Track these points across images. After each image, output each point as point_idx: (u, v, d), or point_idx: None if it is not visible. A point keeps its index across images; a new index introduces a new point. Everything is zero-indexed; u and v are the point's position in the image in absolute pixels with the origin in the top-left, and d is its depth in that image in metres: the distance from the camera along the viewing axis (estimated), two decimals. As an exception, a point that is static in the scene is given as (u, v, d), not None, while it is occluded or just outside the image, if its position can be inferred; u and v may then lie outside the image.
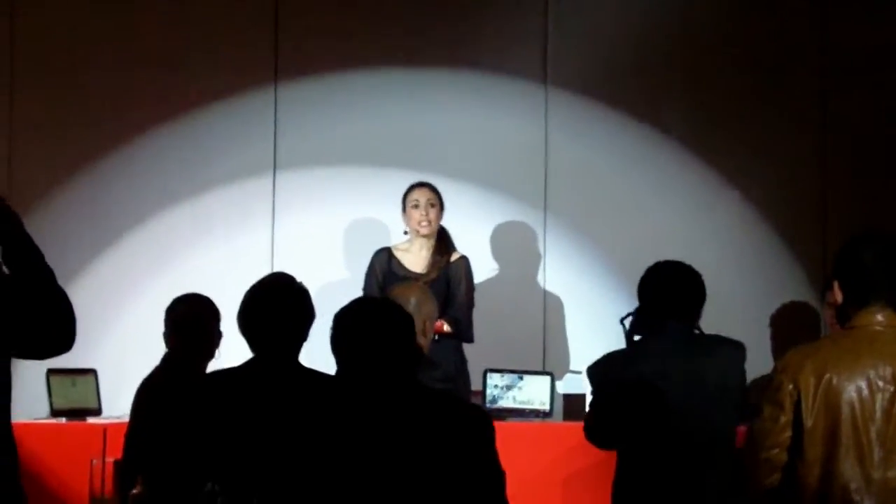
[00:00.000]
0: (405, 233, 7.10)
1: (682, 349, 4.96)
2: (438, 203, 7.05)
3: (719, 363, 4.96)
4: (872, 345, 3.99)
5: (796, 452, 3.99)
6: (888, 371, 3.94)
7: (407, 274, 6.90)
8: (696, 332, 5.11)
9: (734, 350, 5.03)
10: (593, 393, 5.15)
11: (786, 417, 3.99)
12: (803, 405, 3.96)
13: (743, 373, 5.03)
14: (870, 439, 3.92)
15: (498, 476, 3.39)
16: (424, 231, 6.99)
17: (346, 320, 3.49)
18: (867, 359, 3.96)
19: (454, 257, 7.04)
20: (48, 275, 3.80)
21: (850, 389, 3.94)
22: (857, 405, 3.93)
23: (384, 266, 7.02)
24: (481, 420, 3.41)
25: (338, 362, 3.44)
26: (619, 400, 4.97)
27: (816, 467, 3.95)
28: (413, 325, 3.53)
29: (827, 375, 3.95)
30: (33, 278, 3.76)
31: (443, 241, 7.06)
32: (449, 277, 6.96)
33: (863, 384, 3.94)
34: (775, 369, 4.09)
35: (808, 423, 3.95)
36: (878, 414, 3.92)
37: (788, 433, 4.00)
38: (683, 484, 4.89)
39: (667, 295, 5.02)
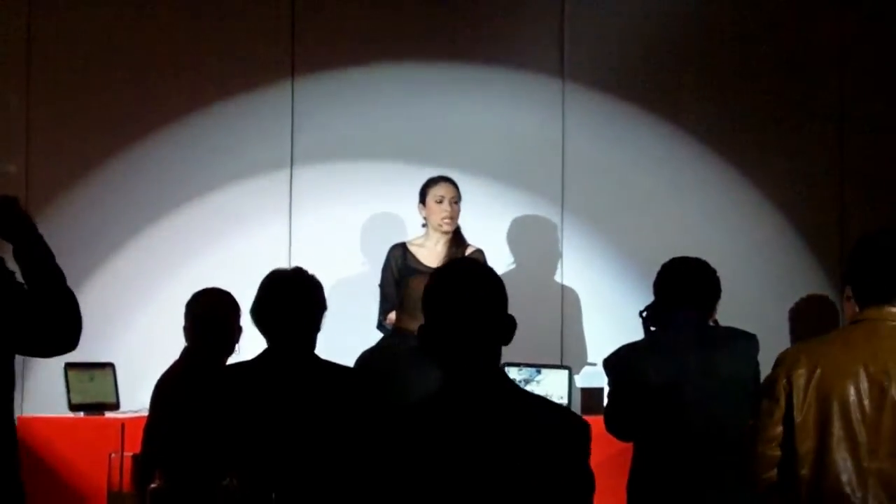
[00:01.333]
0: (423, 225, 7.09)
1: (697, 342, 4.99)
2: (460, 200, 7.04)
3: (733, 355, 4.99)
4: (870, 338, 4.00)
5: (790, 446, 4.00)
6: (880, 363, 3.95)
7: (422, 269, 6.89)
8: (711, 324, 5.13)
9: (747, 342, 5.05)
10: (610, 384, 5.16)
11: (780, 412, 4.01)
12: (794, 399, 3.98)
13: (756, 365, 5.05)
14: (861, 431, 3.92)
15: (591, 486, 3.22)
16: (447, 228, 6.98)
17: (448, 278, 3.26)
18: (862, 351, 3.97)
19: (469, 251, 7.03)
20: (57, 276, 3.83)
21: (841, 382, 3.95)
22: (848, 397, 3.94)
23: (399, 262, 7.02)
24: (584, 429, 3.20)
25: (428, 319, 3.20)
26: (635, 392, 4.98)
27: (809, 460, 3.96)
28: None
29: (819, 369, 3.97)
30: (42, 279, 3.79)
31: (457, 235, 7.06)
32: None
33: (854, 377, 3.95)
34: (774, 365, 4.11)
35: (799, 417, 3.97)
36: (869, 405, 3.93)
37: (782, 429, 4.01)
38: (697, 476, 4.91)
39: (681, 289, 5.05)
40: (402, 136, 7.96)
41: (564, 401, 6.86)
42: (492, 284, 3.27)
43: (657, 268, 5.25)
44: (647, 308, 5.15)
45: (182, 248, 7.81)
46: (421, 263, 6.97)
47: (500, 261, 7.75)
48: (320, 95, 7.95)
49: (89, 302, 7.46)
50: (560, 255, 7.98)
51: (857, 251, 4.15)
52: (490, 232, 7.65)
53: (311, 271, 4.68)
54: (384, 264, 7.06)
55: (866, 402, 3.93)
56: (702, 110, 8.16)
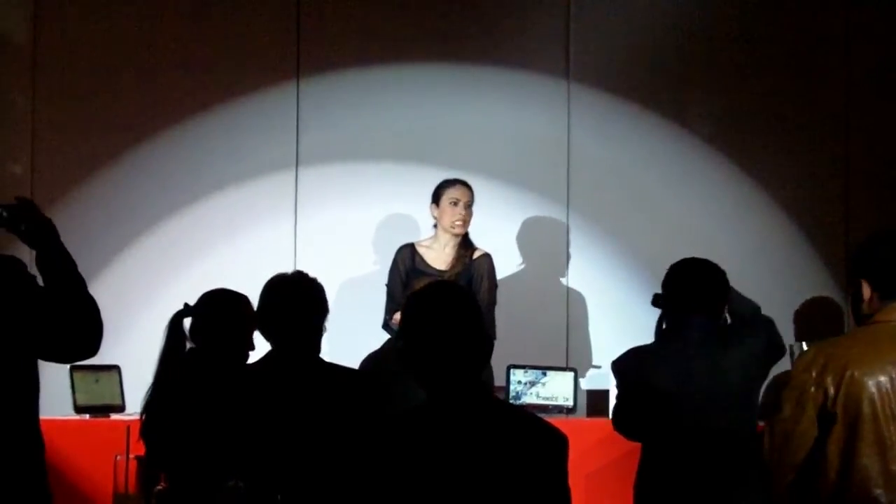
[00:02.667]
0: (434, 226, 7.07)
1: (706, 344, 4.97)
2: (473, 203, 7.02)
3: (742, 355, 4.97)
4: (894, 340, 3.98)
5: (817, 447, 3.98)
6: None
7: (430, 271, 6.89)
8: (720, 324, 5.11)
9: (756, 340, 5.04)
10: (618, 387, 5.15)
11: (808, 417, 3.99)
12: (827, 403, 3.96)
13: (765, 363, 5.05)
14: (891, 433, 3.92)
15: (567, 501, 3.25)
16: (458, 231, 6.96)
17: (426, 305, 3.29)
18: (888, 354, 3.96)
19: (476, 254, 7.01)
20: (79, 283, 3.84)
21: (870, 384, 3.94)
22: (877, 400, 3.93)
23: (407, 263, 7.01)
24: (562, 444, 3.25)
25: (407, 346, 3.26)
26: (643, 394, 4.97)
27: (836, 461, 3.95)
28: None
29: (848, 371, 3.95)
30: (64, 286, 3.81)
31: (465, 239, 7.05)
32: (471, 275, 6.94)
33: (884, 379, 3.94)
34: (796, 368, 4.08)
35: (830, 418, 3.95)
36: None
37: (813, 433, 3.99)
38: (705, 477, 4.89)
39: (690, 290, 5.04)
40: (407, 136, 7.96)
41: (570, 403, 6.85)
42: (466, 307, 3.29)
43: (662, 268, 5.23)
44: (658, 300, 5.13)
45: (187, 249, 7.81)
46: (429, 265, 6.96)
47: (506, 262, 7.75)
48: (325, 96, 7.95)
49: (95, 303, 7.48)
50: (565, 256, 7.98)
51: (867, 252, 4.13)
52: (495, 233, 7.63)
53: (314, 272, 4.68)
54: (392, 265, 7.05)
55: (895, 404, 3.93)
56: (707, 111, 8.16)
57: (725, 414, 4.92)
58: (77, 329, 3.82)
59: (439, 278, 6.73)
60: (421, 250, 7.05)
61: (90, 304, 3.85)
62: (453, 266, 6.95)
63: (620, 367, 5.12)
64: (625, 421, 5.10)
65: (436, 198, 7.01)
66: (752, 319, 5.24)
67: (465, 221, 6.98)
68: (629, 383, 5.06)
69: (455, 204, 6.96)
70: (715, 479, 4.90)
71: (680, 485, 4.92)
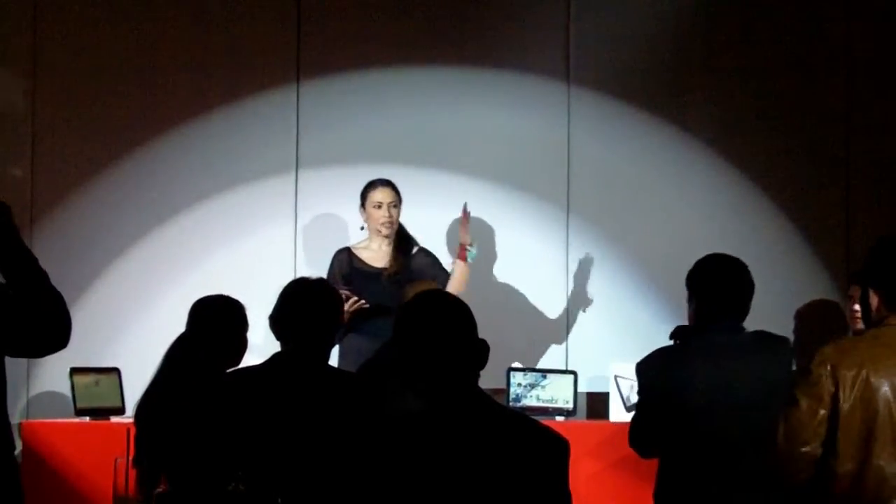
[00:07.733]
0: (362, 228, 7.04)
1: (733, 347, 4.84)
2: (399, 203, 7.00)
3: (769, 360, 4.85)
4: None
5: (830, 446, 3.98)
6: None
7: (369, 269, 6.86)
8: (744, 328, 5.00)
9: (783, 346, 4.94)
10: (640, 391, 5.02)
11: (824, 411, 3.98)
12: (841, 399, 3.95)
13: (790, 370, 4.93)
14: None
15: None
16: (386, 231, 6.92)
17: (417, 313, 3.28)
18: None
19: (414, 251, 6.98)
20: (40, 273, 3.83)
21: (885, 385, 3.94)
22: (892, 401, 3.93)
23: (344, 266, 6.95)
24: (563, 449, 3.23)
25: (402, 355, 3.29)
26: (668, 398, 4.84)
27: (850, 462, 3.94)
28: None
29: (864, 371, 3.95)
30: (26, 275, 3.79)
31: (403, 237, 7.01)
32: (411, 272, 6.88)
33: None
34: (813, 363, 4.06)
35: (844, 417, 3.94)
36: None
37: (826, 427, 3.99)
38: (731, 482, 4.79)
39: (720, 289, 4.94)
40: (408, 140, 7.96)
41: (570, 406, 6.84)
42: (457, 313, 3.28)
43: (662, 270, 5.21)
44: (677, 333, 5.02)
45: (188, 252, 7.81)
46: (366, 264, 6.92)
47: (506, 265, 7.76)
48: (325, 99, 7.95)
49: (95, 306, 7.49)
50: (565, 259, 7.97)
51: (880, 256, 4.13)
52: (495, 236, 7.64)
53: (314, 275, 4.69)
54: (329, 270, 6.98)
55: None
56: (707, 114, 8.16)
57: (754, 416, 4.73)
58: (44, 321, 3.80)
59: (380, 276, 6.75)
60: (357, 251, 7.00)
61: (54, 295, 3.83)
62: (392, 265, 6.91)
63: (645, 369, 4.94)
64: (645, 429, 4.92)
65: (362, 201, 6.99)
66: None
67: (392, 222, 6.94)
68: (654, 385, 4.89)
69: (379, 207, 6.94)
70: (742, 481, 4.79)
71: (706, 488, 4.79)
